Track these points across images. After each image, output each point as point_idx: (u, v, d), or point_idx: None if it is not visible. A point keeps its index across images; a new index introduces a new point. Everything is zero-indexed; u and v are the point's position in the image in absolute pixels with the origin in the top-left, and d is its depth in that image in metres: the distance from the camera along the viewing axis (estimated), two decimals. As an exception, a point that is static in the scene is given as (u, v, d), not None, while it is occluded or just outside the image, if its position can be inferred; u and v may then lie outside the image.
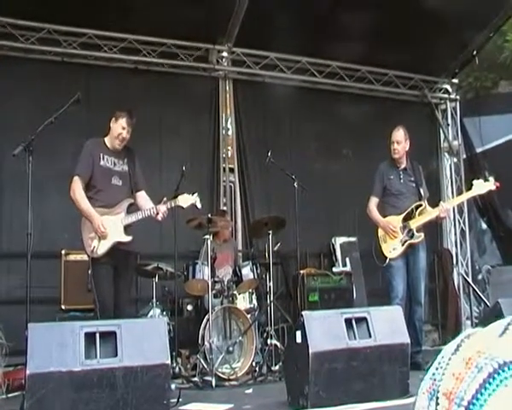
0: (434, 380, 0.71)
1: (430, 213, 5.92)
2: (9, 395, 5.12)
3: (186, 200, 5.22)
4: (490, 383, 0.65)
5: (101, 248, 4.89)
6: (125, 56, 7.67)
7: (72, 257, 6.32)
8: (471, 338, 0.72)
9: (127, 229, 5.04)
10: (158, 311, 6.03)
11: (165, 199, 5.14)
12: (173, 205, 5.16)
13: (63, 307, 6.14)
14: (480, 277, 9.50)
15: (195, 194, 5.27)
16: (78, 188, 4.96)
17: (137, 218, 5.08)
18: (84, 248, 4.95)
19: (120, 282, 5.02)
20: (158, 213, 5.06)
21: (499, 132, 9.68)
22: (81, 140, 7.15)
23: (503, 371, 0.65)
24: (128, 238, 5.03)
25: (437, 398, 0.70)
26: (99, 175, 5.07)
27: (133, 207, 5.17)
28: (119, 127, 5.17)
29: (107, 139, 5.26)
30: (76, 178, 4.99)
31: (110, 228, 4.92)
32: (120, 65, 7.72)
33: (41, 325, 3.84)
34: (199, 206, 5.29)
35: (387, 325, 4.52)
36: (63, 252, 6.36)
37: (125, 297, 5.10)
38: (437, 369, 0.72)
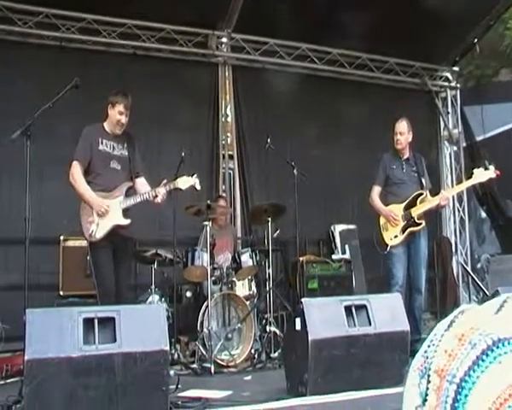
0: (426, 358, 0.69)
1: (431, 202, 5.98)
2: (8, 381, 5.12)
3: (185, 182, 5.16)
4: (483, 360, 0.64)
5: (100, 231, 4.86)
6: (123, 42, 7.61)
7: (70, 243, 6.30)
8: (465, 314, 0.70)
9: (126, 212, 5.01)
10: (157, 297, 6.02)
11: (164, 181, 5.09)
12: (172, 187, 5.09)
13: (61, 292, 6.13)
14: (479, 265, 9.52)
15: (195, 175, 5.21)
16: (76, 172, 4.95)
17: (136, 201, 5.04)
18: (83, 232, 4.93)
19: (120, 268, 5.00)
20: (156, 196, 5.01)
21: (499, 121, 9.66)
22: (79, 125, 7.07)
23: (498, 347, 0.63)
24: (127, 221, 4.99)
25: (428, 375, 0.68)
26: (98, 159, 5.05)
27: (131, 192, 5.14)
28: (117, 114, 5.15)
29: (105, 124, 5.23)
30: (75, 163, 4.99)
31: (109, 211, 4.90)
32: (119, 50, 7.66)
33: (39, 310, 3.81)
34: (198, 187, 5.24)
35: (387, 312, 4.51)
36: (62, 238, 6.34)
37: (125, 283, 5.09)
38: (429, 346, 0.70)
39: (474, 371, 0.64)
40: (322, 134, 8.55)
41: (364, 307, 4.42)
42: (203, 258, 6.03)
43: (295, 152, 7.68)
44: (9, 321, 5.52)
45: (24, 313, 3.68)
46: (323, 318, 4.28)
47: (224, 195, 7.75)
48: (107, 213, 4.87)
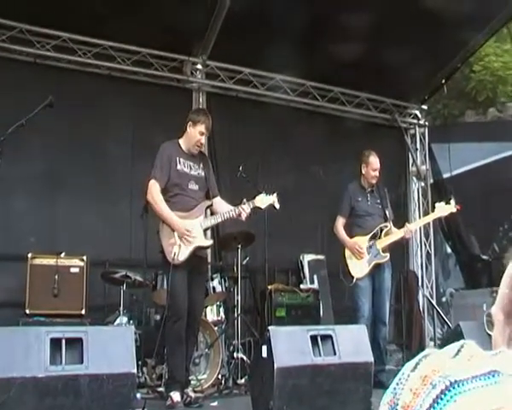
0: (395, 394, 0.79)
1: (396, 234, 6.13)
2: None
3: (264, 201, 5.12)
4: (441, 399, 0.74)
5: (182, 254, 4.82)
6: (98, 62, 7.57)
7: (38, 261, 6.14)
8: (428, 358, 0.80)
9: (206, 233, 4.99)
10: (125, 319, 5.95)
11: (244, 200, 5.06)
12: (252, 206, 5.05)
13: (27, 311, 5.98)
14: (444, 299, 9.66)
15: (274, 194, 5.14)
16: (156, 191, 4.90)
17: (217, 220, 5.05)
18: (165, 254, 4.89)
19: (195, 288, 5.00)
20: (240, 215, 4.98)
21: (465, 160, 9.91)
22: (50, 142, 7.06)
23: (454, 388, 0.74)
24: (209, 242, 5.04)
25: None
26: (176, 179, 5.01)
27: (210, 211, 5.14)
28: (198, 134, 5.09)
29: (182, 141, 5.17)
30: (153, 182, 4.93)
31: (191, 232, 4.87)
32: (94, 70, 7.62)
33: (4, 329, 3.76)
34: (277, 206, 5.16)
35: (352, 343, 4.57)
36: (29, 255, 6.20)
37: (200, 303, 5.16)
38: (398, 384, 0.80)
39: (434, 408, 0.73)
40: (294, 164, 8.62)
41: (330, 337, 4.48)
42: (172, 282, 5.99)
43: (266, 181, 7.71)
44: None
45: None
46: (289, 346, 4.32)
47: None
48: (191, 237, 4.83)
